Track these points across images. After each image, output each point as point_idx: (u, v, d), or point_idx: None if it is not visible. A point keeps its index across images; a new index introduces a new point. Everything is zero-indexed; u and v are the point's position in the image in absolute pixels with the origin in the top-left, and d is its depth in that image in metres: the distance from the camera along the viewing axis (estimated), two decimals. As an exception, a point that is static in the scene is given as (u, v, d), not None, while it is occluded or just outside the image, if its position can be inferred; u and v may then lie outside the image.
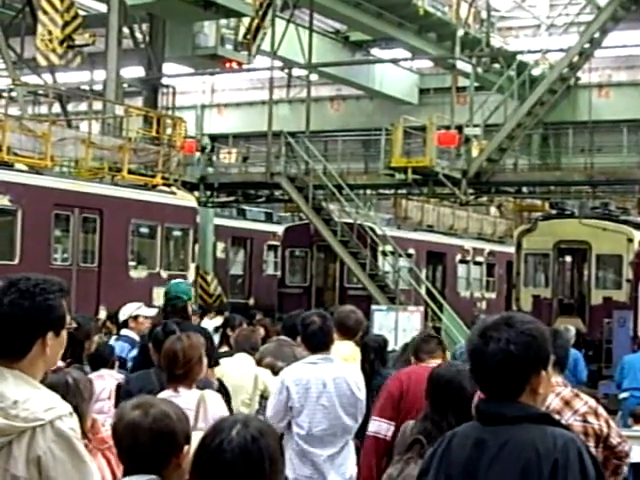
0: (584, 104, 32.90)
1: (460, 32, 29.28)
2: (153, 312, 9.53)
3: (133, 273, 19.84)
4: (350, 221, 24.19)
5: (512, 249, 24.51)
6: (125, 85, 26.76)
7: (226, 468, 2.68)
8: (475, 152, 24.63)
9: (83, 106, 28.40)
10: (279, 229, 28.94)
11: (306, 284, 26.31)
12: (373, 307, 18.72)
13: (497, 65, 31.25)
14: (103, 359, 7.02)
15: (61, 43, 22.70)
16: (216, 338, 9.50)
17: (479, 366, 3.04)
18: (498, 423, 2.98)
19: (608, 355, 19.96)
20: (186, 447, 3.17)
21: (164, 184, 21.43)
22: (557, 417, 3.82)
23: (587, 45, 25.08)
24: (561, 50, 26.45)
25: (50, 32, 22.67)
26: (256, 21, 26.53)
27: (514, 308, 22.44)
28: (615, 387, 14.18)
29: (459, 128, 25.23)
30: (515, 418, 2.96)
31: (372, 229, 24.05)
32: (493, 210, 33.70)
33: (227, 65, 27.38)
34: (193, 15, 24.61)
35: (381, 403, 5.99)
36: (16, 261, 17.16)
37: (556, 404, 4.91)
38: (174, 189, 21.56)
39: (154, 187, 21.11)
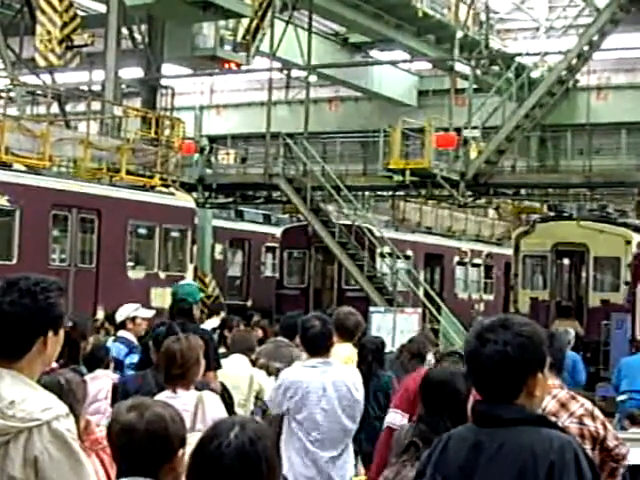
0: (582, 106, 32.92)
1: (459, 34, 29.26)
2: (151, 313, 9.52)
3: (131, 274, 19.83)
4: (348, 223, 24.21)
5: (510, 251, 24.53)
6: (124, 86, 26.77)
7: (224, 471, 2.68)
8: (473, 154, 24.65)
9: (81, 106, 28.42)
10: (277, 231, 28.94)
11: (304, 285, 26.31)
12: (371, 309, 18.73)
13: (496, 67, 31.25)
14: (98, 360, 7.02)
15: (60, 43, 22.70)
16: (213, 339, 9.49)
17: (476, 368, 3.05)
18: (495, 425, 2.98)
19: (606, 357, 19.97)
20: (180, 450, 3.16)
21: (162, 185, 21.42)
22: (553, 419, 3.83)
23: (586, 47, 25.11)
24: (560, 52, 26.50)
25: (49, 32, 22.66)
26: (255, 22, 26.53)
27: (512, 310, 22.46)
28: (613, 389, 14.18)
29: (457, 130, 25.25)
30: (512, 420, 2.96)
31: (370, 231, 24.06)
32: (491, 212, 33.72)
33: (226, 66, 27.38)
34: (192, 16, 24.61)
35: (398, 397, 6.06)
36: (14, 261, 17.16)
37: (552, 406, 4.91)
38: (172, 190, 21.55)
39: (152, 188, 21.11)
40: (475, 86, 27.91)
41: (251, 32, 26.70)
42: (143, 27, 26.88)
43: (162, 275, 20.21)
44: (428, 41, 32.50)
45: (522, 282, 23.20)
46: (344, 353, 7.40)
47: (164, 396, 5.22)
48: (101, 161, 21.08)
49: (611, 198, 27.90)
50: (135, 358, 8.27)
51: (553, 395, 4.92)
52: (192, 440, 3.68)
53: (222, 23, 26.32)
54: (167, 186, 21.56)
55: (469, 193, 25.45)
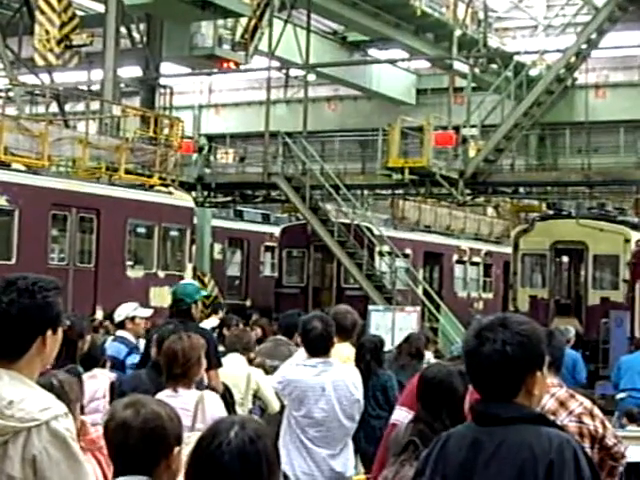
0: (581, 105, 32.92)
1: (457, 33, 29.31)
2: (149, 313, 9.52)
3: (130, 273, 19.83)
4: (347, 221, 24.20)
5: (509, 249, 24.52)
6: (122, 85, 26.75)
7: (224, 470, 2.68)
8: (472, 152, 24.65)
9: (80, 106, 28.41)
10: (276, 230, 28.93)
11: (303, 284, 26.30)
12: (370, 307, 18.72)
13: (494, 66, 31.25)
14: (94, 359, 7.02)
15: (59, 43, 22.69)
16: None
17: (475, 367, 3.05)
18: (494, 424, 2.98)
19: (605, 355, 19.97)
20: (177, 448, 3.16)
21: (161, 184, 21.43)
22: (552, 418, 3.83)
23: (584, 46, 25.12)
24: (558, 51, 26.48)
25: (48, 32, 22.66)
26: (254, 21, 26.53)
27: (511, 308, 22.47)
28: (612, 388, 14.18)
29: (456, 128, 25.25)
30: (511, 419, 2.96)
31: (369, 229, 24.05)
32: (490, 210, 33.71)
33: (224, 65, 27.38)
34: (191, 15, 24.60)
35: (404, 395, 6.05)
36: (13, 261, 17.17)
37: (551, 405, 4.90)
38: (171, 189, 21.55)
39: (151, 187, 21.11)
40: (474, 84, 27.91)
41: (250, 31, 26.70)
42: (142, 26, 26.89)
43: (161, 274, 20.22)
44: (427, 40, 32.50)
45: (521, 280, 23.20)
46: (343, 353, 7.40)
47: (165, 395, 5.22)
48: (100, 160, 21.07)
49: (610, 196, 27.91)
50: (136, 358, 8.27)
51: (552, 394, 4.92)
52: (192, 439, 3.68)
53: (221, 22, 26.31)
54: (166, 185, 21.56)
55: (468, 191, 25.44)
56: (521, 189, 27.85)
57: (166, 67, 28.09)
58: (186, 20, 25.38)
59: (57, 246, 18.83)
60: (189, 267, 21.39)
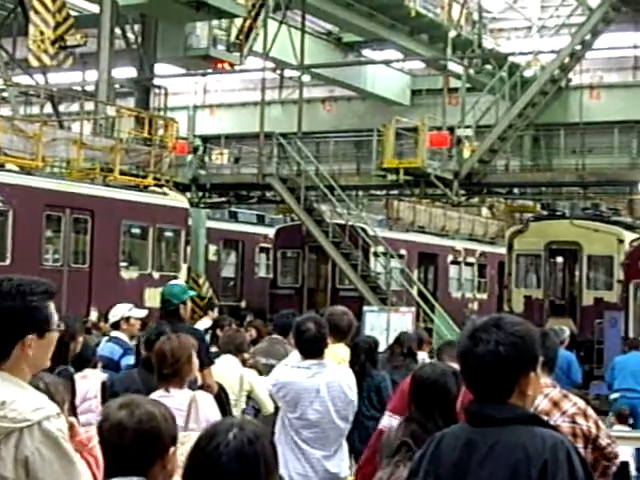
0: (575, 105, 32.99)
1: (452, 33, 29.33)
2: (144, 313, 9.52)
3: (124, 274, 19.82)
4: (342, 222, 24.21)
5: (504, 250, 24.55)
6: (117, 86, 26.72)
7: (222, 471, 2.68)
8: (467, 153, 24.66)
9: (75, 107, 28.35)
10: (271, 232, 28.91)
11: (298, 285, 26.30)
12: (365, 308, 18.74)
13: (489, 66, 31.27)
14: (86, 360, 7.02)
15: (53, 44, 22.66)
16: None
17: (468, 367, 3.05)
18: (487, 424, 2.98)
19: (599, 356, 19.99)
20: (172, 448, 3.15)
21: (156, 185, 21.41)
22: (546, 418, 3.84)
23: (578, 47, 25.17)
24: (552, 52, 26.54)
25: (42, 33, 22.63)
26: (248, 22, 26.53)
27: (506, 309, 22.49)
28: (606, 388, 14.21)
29: (451, 129, 25.26)
30: (504, 420, 2.96)
31: (364, 230, 24.06)
32: (485, 211, 33.73)
33: (219, 66, 27.38)
34: (185, 16, 24.59)
35: (394, 400, 6.03)
36: (7, 262, 17.14)
37: (545, 405, 4.91)
38: (166, 190, 21.54)
39: (146, 188, 21.10)
40: (468, 85, 27.92)
41: (244, 32, 26.70)
42: (136, 27, 26.88)
43: (156, 275, 20.20)
44: (421, 40, 32.54)
45: (516, 281, 23.23)
46: (340, 354, 7.40)
47: (157, 395, 5.22)
48: (94, 161, 21.06)
49: (604, 197, 27.94)
50: (131, 359, 8.27)
51: (545, 394, 4.92)
52: (185, 439, 3.68)
53: (215, 23, 26.30)
54: (160, 186, 21.55)
55: (462, 192, 25.44)
56: (515, 190, 27.87)
57: (161, 68, 28.07)
58: (181, 21, 25.37)
59: (51, 247, 18.80)
60: (184, 268, 21.38)
